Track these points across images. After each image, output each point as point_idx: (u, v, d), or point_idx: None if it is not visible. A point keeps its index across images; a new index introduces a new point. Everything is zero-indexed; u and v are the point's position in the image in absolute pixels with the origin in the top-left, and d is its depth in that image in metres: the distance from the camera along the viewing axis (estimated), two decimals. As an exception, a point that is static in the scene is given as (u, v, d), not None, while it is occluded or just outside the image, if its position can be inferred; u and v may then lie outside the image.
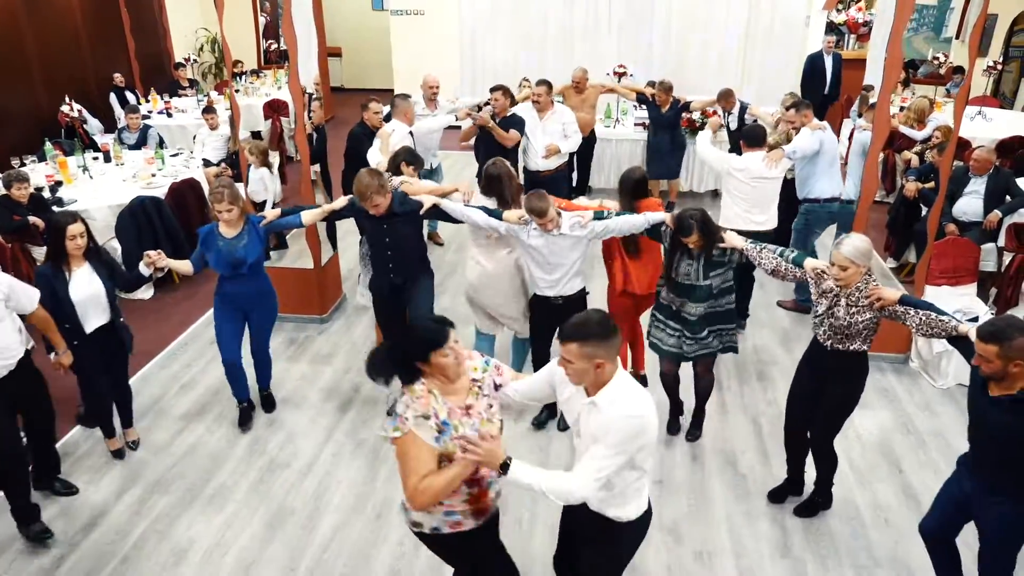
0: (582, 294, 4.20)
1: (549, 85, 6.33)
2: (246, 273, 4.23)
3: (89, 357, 3.98)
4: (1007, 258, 5.70)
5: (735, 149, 6.75)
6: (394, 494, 3.95)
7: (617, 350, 2.42)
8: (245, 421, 4.60)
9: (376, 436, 4.48)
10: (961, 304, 5.16)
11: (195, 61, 11.09)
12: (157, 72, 10.34)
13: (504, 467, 2.36)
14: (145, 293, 6.28)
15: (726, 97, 7.06)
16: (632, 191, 4.30)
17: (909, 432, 4.54)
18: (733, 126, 7.12)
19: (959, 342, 3.03)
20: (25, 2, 8.09)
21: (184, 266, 4.22)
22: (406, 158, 4.82)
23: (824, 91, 8.91)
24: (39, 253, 5.75)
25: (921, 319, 3.15)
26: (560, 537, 3.01)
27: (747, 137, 5.25)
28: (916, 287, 5.14)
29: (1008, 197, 5.88)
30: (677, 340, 4.03)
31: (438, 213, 4.22)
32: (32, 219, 5.58)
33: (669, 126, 7.46)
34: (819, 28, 10.11)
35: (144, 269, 4.01)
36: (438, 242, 7.22)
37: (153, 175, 6.72)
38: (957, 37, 10.99)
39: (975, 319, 4.92)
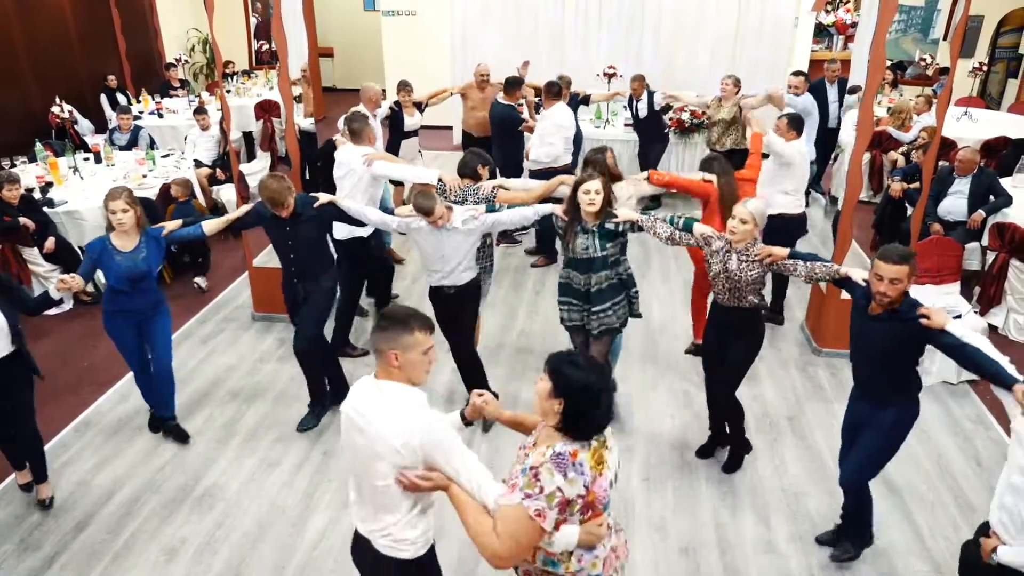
0: (475, 282, 4.34)
1: (553, 87, 6.41)
2: (145, 286, 4.05)
3: None
4: (990, 257, 5.78)
5: (645, 134, 7.03)
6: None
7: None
8: (157, 428, 4.50)
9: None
10: (945, 302, 5.22)
11: (186, 62, 11.07)
12: (148, 72, 10.33)
13: None
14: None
15: (639, 81, 7.23)
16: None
17: (893, 429, 4.59)
18: (643, 113, 7.22)
19: (843, 283, 3.40)
20: (15, 2, 8.08)
21: (81, 284, 3.79)
22: (480, 160, 4.68)
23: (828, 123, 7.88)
24: (30, 254, 5.77)
25: (807, 268, 3.52)
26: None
27: (796, 124, 5.34)
28: (900, 286, 5.19)
29: (992, 197, 5.96)
30: (580, 315, 4.19)
31: (336, 210, 4.31)
32: (23, 220, 5.60)
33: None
34: (808, 29, 10.19)
35: (55, 293, 3.69)
36: (397, 260, 6.67)
37: (144, 176, 6.74)
38: (944, 38, 11.08)
39: (958, 317, 4.99)
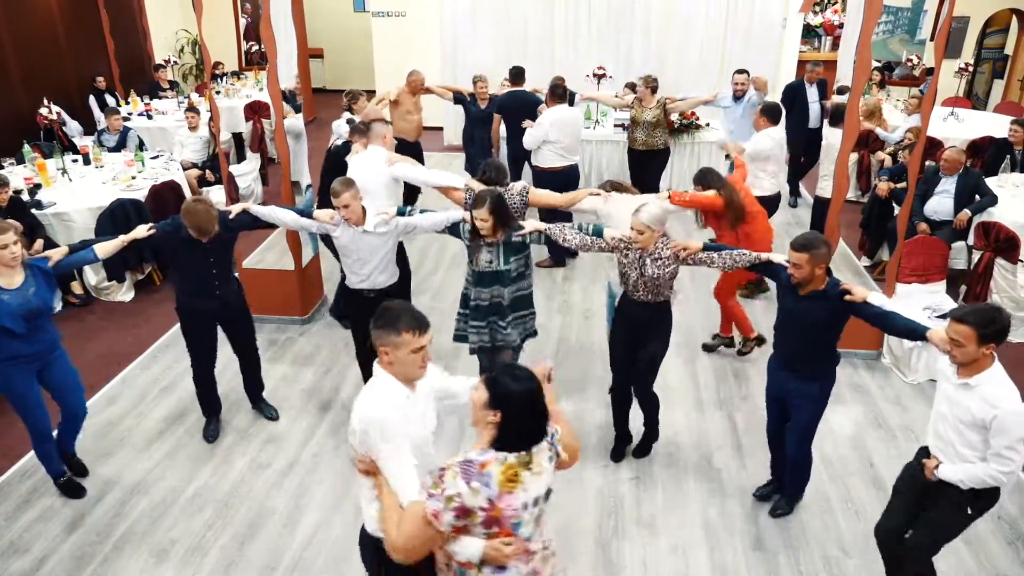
0: (393, 287, 4.38)
1: (556, 89, 6.53)
2: (41, 325, 3.69)
3: None
4: (976, 256, 5.84)
5: None
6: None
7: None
8: (77, 492, 4.06)
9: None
10: (931, 301, 5.26)
11: (175, 63, 11.03)
12: (137, 74, 10.28)
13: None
14: (126, 295, 6.29)
15: (561, 79, 7.28)
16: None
17: (880, 426, 4.64)
18: None
19: (765, 268, 3.65)
20: (2, 3, 8.03)
21: None
22: (498, 165, 4.69)
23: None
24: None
25: (724, 258, 3.74)
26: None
27: (770, 113, 5.91)
28: (887, 284, 5.24)
29: (977, 196, 6.01)
30: (478, 335, 4.22)
31: (249, 218, 4.25)
32: (11, 222, 5.55)
33: (485, 122, 7.41)
34: (796, 30, 10.26)
35: None
36: None
37: (133, 177, 6.70)
38: (931, 39, 11.17)
39: (943, 316, 5.03)
